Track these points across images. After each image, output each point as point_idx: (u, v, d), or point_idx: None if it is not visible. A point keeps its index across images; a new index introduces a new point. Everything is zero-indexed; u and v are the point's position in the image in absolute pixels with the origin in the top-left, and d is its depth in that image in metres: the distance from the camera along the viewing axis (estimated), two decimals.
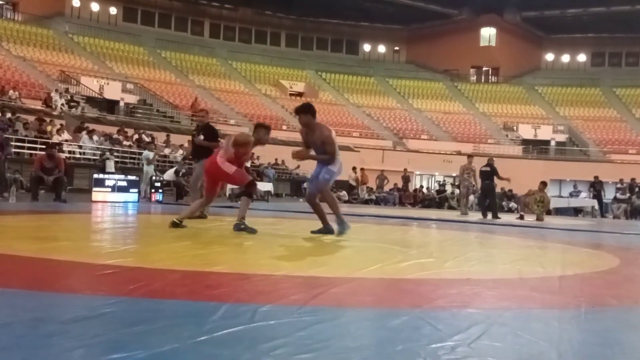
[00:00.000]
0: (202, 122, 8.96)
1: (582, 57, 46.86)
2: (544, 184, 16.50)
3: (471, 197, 17.23)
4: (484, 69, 47.66)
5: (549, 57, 47.95)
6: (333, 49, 47.51)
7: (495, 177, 15.37)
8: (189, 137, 13.68)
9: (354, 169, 26.84)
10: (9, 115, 19.29)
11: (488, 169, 15.52)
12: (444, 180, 30.02)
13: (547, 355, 2.28)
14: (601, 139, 38.89)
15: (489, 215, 14.90)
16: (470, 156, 16.66)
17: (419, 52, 47.25)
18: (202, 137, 8.62)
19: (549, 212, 23.73)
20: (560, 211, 23.76)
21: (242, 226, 6.22)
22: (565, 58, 47.20)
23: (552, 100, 43.41)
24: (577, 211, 24.16)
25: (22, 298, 2.89)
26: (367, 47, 47.83)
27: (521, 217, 15.31)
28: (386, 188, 27.24)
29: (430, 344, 2.30)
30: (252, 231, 6.14)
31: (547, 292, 3.80)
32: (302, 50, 46.56)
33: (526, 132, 39.42)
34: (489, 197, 15.61)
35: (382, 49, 48.00)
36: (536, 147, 37.65)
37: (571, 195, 25.94)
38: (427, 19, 45.70)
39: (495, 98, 43.57)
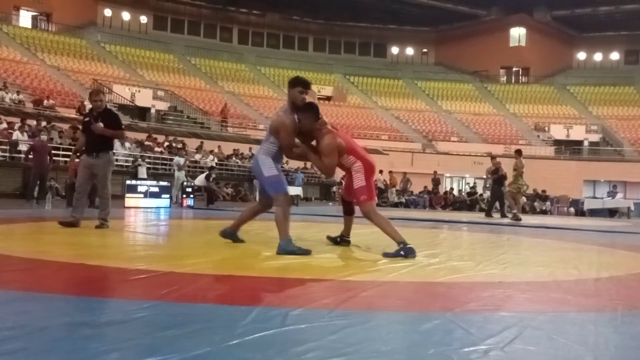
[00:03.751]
0: (98, 108, 7.33)
1: (615, 56, 45.98)
2: (518, 152, 15.54)
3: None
4: (514, 69, 47.08)
5: (581, 55, 47.16)
6: (361, 52, 47.48)
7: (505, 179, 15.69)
8: (78, 127, 11.35)
9: (380, 172, 26.72)
10: (44, 123, 19.70)
11: (496, 174, 15.99)
12: (474, 183, 29.69)
13: (583, 359, 2.24)
14: (636, 138, 38.06)
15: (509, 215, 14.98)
16: (518, 151, 16.04)
17: (447, 54, 46.93)
18: (101, 124, 7.15)
19: (582, 214, 23.40)
20: (594, 212, 23.33)
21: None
22: (598, 57, 46.37)
23: (585, 99, 42.68)
24: (611, 212, 23.68)
25: (58, 302, 2.95)
26: (395, 50, 47.68)
27: (515, 218, 14.70)
28: (413, 190, 27.12)
29: (462, 347, 2.28)
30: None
31: (582, 295, 3.74)
32: (330, 54, 46.62)
33: (558, 132, 38.78)
34: (496, 199, 16.35)
35: (410, 51, 47.80)
36: (569, 148, 37.02)
37: (609, 195, 25.44)
38: (455, 20, 45.37)
39: (526, 98, 43.00)
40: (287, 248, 5.00)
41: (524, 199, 23.76)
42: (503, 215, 15.64)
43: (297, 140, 5.45)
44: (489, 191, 17.56)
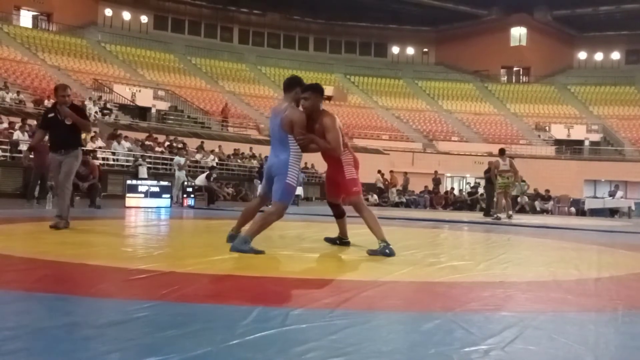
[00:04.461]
0: (65, 104, 6.98)
1: (615, 55, 45.96)
2: (499, 151, 15.15)
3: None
4: (515, 69, 47.07)
5: (582, 55, 47.15)
6: (361, 52, 47.47)
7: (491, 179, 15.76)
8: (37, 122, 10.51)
9: (379, 171, 26.73)
10: None
11: (488, 174, 16.32)
12: (476, 182, 29.72)
13: (583, 359, 2.24)
14: (637, 138, 38.02)
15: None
16: (500, 150, 15.84)
17: (448, 54, 46.92)
18: (67, 109, 6.87)
19: (583, 213, 23.40)
20: (595, 212, 23.33)
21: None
22: (599, 56, 46.35)
23: (586, 99, 42.66)
24: (612, 212, 23.69)
25: (58, 302, 2.95)
26: (395, 50, 47.67)
27: (497, 218, 14.39)
28: (412, 189, 27.17)
29: (463, 347, 2.28)
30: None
31: (583, 295, 3.74)
32: (331, 54, 46.62)
33: (559, 132, 38.78)
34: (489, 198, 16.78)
35: (410, 50, 47.79)
36: (569, 147, 37.00)
37: (610, 194, 25.46)
38: (456, 19, 45.36)
39: (527, 98, 42.98)
40: (239, 247, 4.97)
41: (525, 198, 23.81)
42: (486, 214, 16.03)
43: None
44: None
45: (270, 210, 5.27)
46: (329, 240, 6.09)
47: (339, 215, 5.96)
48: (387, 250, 5.16)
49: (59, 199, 6.95)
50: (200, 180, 17.71)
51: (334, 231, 6.18)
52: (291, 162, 5.22)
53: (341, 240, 6.00)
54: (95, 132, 21.60)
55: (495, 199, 15.39)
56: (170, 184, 15.88)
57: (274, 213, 5.22)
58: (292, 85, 5.42)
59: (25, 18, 38.46)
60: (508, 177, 14.55)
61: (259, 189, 5.71)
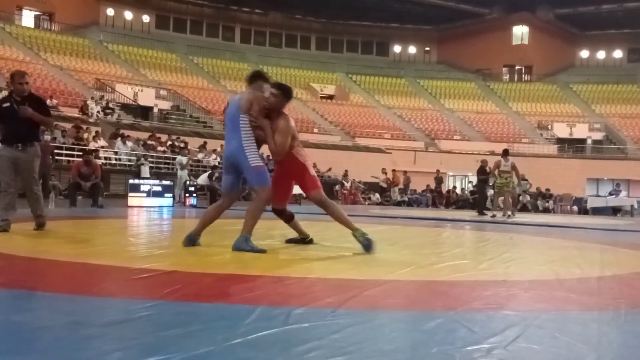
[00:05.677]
0: (23, 92, 6.23)
1: (618, 54, 45.89)
2: (503, 152, 15.34)
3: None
4: (517, 67, 47.01)
5: (584, 54, 47.08)
6: (363, 51, 47.44)
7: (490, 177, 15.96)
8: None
9: (382, 170, 26.73)
10: None
11: (483, 176, 16.66)
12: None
13: (586, 358, 2.24)
14: (639, 136, 38.00)
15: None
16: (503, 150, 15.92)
17: (450, 52, 46.88)
18: (29, 109, 6.14)
19: (586, 212, 23.38)
20: (597, 210, 23.31)
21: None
22: (601, 55, 46.28)
23: (588, 98, 42.60)
24: (615, 211, 23.66)
25: (61, 302, 2.95)
26: (397, 48, 47.65)
27: (495, 215, 14.61)
28: (415, 188, 27.18)
29: (465, 346, 2.28)
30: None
31: (585, 294, 3.73)
32: (332, 52, 46.60)
33: (561, 130, 38.75)
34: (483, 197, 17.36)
35: (412, 49, 47.76)
36: (572, 146, 36.97)
37: (611, 193, 25.44)
38: (458, 18, 45.31)
39: (529, 97, 42.93)
40: (240, 246, 4.95)
41: (527, 197, 23.79)
42: (479, 213, 16.24)
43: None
44: (491, 190, 17.86)
45: (256, 199, 5.24)
46: (291, 241, 5.85)
47: (289, 219, 5.78)
48: (366, 240, 5.14)
49: (34, 202, 6.50)
50: (203, 179, 17.72)
51: (334, 231, 6.17)
52: (245, 145, 5.09)
53: (304, 240, 5.81)
54: (97, 131, 21.62)
55: (501, 198, 15.41)
56: (172, 183, 15.90)
57: (261, 199, 5.18)
58: (254, 77, 5.40)
59: (27, 18, 38.51)
60: (506, 177, 14.62)
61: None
